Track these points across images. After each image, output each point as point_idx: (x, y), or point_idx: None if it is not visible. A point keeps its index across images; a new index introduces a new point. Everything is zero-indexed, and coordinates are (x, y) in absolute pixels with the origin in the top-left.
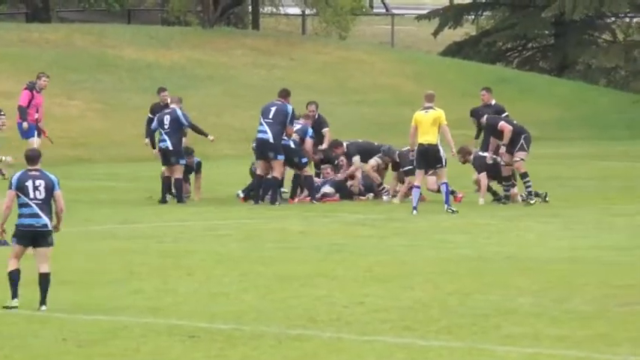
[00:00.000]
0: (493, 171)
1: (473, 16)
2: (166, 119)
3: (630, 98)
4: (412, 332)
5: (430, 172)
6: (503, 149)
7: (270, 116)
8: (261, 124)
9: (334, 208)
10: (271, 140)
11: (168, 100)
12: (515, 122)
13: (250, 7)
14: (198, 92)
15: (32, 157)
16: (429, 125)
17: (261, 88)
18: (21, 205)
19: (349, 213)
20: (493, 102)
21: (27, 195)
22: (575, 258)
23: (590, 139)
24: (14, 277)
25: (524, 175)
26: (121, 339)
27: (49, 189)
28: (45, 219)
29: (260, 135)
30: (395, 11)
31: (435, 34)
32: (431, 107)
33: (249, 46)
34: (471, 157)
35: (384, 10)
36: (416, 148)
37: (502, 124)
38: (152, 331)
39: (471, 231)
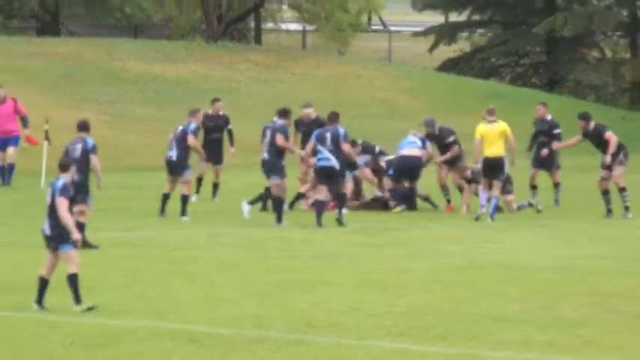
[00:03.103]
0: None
1: (467, 33)
2: (178, 129)
3: (618, 114)
4: (407, 338)
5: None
6: (608, 158)
7: (328, 143)
8: (320, 151)
9: (331, 217)
10: (337, 168)
11: (221, 112)
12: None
13: (253, 23)
14: (202, 104)
15: (59, 165)
16: (495, 138)
17: (264, 102)
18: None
19: (348, 222)
20: (549, 117)
21: (47, 201)
22: (564, 267)
23: (580, 152)
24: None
25: (622, 190)
26: (126, 343)
27: (53, 196)
28: (46, 225)
29: (323, 163)
30: (392, 28)
31: (431, 50)
32: (494, 121)
33: (252, 60)
34: (469, 172)
35: (381, 27)
36: (482, 160)
37: (609, 133)
38: (155, 335)
39: (465, 241)
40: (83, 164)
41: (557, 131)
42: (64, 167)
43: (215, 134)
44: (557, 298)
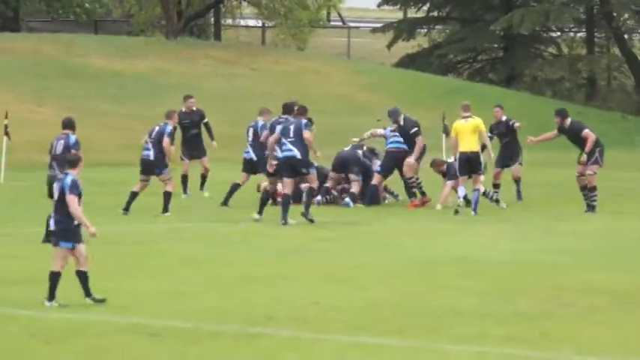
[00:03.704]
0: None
1: (425, 30)
2: (155, 130)
3: (574, 109)
4: (366, 331)
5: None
6: (584, 157)
7: (291, 135)
8: (284, 143)
9: (294, 212)
10: (299, 157)
11: (194, 107)
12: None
13: (213, 19)
14: (163, 100)
15: (68, 161)
16: (470, 133)
17: (223, 97)
18: None
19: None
20: (504, 118)
21: (55, 197)
22: (521, 261)
23: (536, 147)
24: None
25: (592, 189)
26: (87, 336)
27: (62, 192)
28: (51, 220)
29: (286, 153)
30: (351, 24)
31: (389, 46)
32: (469, 116)
33: (212, 56)
34: (445, 167)
35: (340, 23)
36: (457, 156)
37: (587, 131)
38: (116, 328)
39: (423, 235)
40: (63, 159)
41: (512, 124)
42: (72, 163)
43: (192, 130)
44: (515, 291)
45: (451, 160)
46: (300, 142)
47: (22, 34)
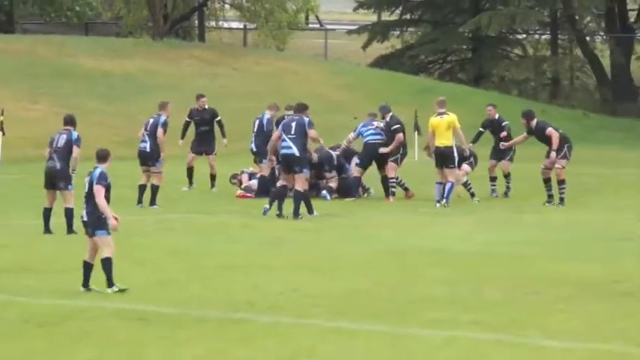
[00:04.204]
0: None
1: (398, 32)
2: (150, 123)
3: (539, 107)
4: (342, 317)
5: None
6: (553, 154)
7: (293, 132)
8: (283, 139)
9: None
10: (297, 154)
11: (206, 106)
12: (561, 131)
13: (197, 21)
14: (149, 99)
15: (98, 156)
16: (444, 129)
17: (207, 95)
18: None
19: (287, 209)
20: (497, 116)
21: (85, 190)
22: (489, 252)
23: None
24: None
25: (561, 182)
26: (78, 320)
27: (91, 184)
28: (83, 211)
29: (284, 151)
30: (328, 26)
31: (364, 47)
32: (444, 113)
33: (196, 56)
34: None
35: (318, 26)
36: (433, 150)
37: (550, 130)
38: (106, 314)
39: (399, 227)
40: (66, 153)
41: (504, 126)
42: (102, 157)
43: (203, 127)
44: (483, 280)
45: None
46: (300, 139)
47: (16, 36)
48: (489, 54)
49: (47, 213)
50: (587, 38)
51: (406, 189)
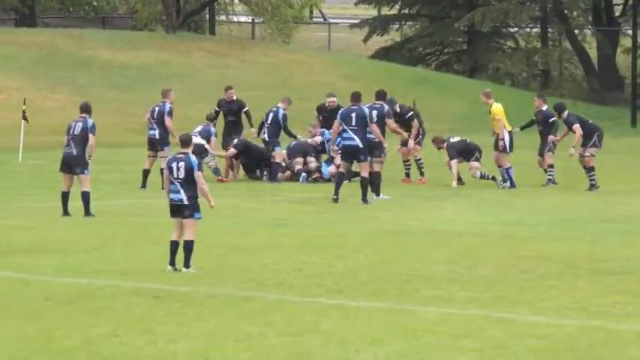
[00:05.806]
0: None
1: (398, 25)
2: (156, 111)
3: (531, 97)
4: (344, 295)
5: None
6: (572, 149)
7: (354, 123)
8: (345, 130)
9: (281, 188)
10: (360, 145)
11: (234, 97)
12: (590, 121)
13: (208, 15)
14: (162, 88)
15: (182, 142)
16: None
17: (216, 85)
18: (171, 183)
19: (292, 192)
20: (545, 107)
21: (172, 174)
22: (483, 232)
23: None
24: (171, 247)
25: (590, 169)
26: (95, 298)
27: (189, 170)
28: (182, 195)
29: (347, 142)
30: (331, 20)
31: (365, 40)
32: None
33: (207, 49)
34: (445, 144)
35: (322, 20)
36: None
37: (576, 126)
38: (121, 292)
39: (395, 208)
40: (81, 140)
41: (551, 120)
42: (186, 143)
43: (230, 117)
44: (477, 259)
45: (456, 139)
46: (361, 131)
47: (37, 29)
48: (484, 46)
49: (65, 196)
50: (576, 31)
51: (422, 173)
